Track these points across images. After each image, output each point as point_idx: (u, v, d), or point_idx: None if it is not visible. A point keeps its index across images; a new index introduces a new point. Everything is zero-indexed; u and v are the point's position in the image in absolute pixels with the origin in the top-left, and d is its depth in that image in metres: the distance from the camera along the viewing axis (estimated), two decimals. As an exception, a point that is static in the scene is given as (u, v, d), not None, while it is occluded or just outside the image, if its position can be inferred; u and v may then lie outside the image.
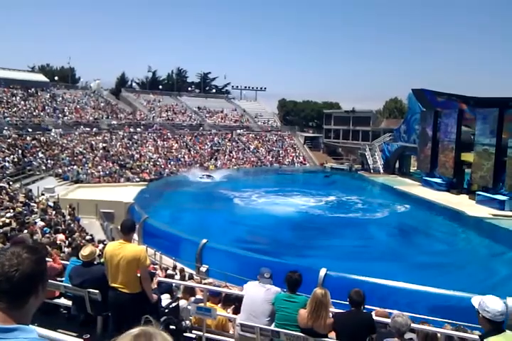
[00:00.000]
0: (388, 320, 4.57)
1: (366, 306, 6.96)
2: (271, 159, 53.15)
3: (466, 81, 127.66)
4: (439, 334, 5.05)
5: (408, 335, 4.28)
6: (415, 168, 43.88)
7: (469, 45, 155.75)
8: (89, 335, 3.90)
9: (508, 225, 23.74)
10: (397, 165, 46.99)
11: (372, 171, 46.82)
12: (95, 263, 5.98)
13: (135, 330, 1.39)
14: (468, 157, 32.81)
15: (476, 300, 3.52)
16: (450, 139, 34.35)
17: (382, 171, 46.36)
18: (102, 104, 52.45)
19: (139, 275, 4.93)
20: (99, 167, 37.14)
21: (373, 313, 6.15)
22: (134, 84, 75.32)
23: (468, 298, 10.94)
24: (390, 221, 25.99)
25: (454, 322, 8.36)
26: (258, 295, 5.04)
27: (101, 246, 12.08)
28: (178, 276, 10.81)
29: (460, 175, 34.15)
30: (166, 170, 41.82)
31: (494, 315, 3.34)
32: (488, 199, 27.96)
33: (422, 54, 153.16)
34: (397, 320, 4.14)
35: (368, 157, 48.26)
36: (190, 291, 7.03)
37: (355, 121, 59.56)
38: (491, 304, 3.39)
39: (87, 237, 14.76)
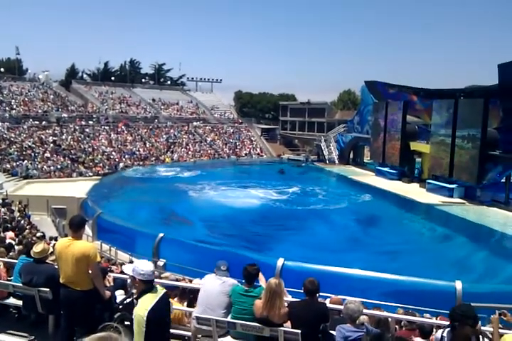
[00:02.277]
0: (342, 307, 4.67)
1: (323, 294, 7.11)
2: (228, 151, 53.06)
3: (419, 73, 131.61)
4: (390, 319, 5.22)
5: (361, 321, 4.39)
6: (368, 158, 44.97)
7: (422, 36, 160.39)
8: (33, 337, 3.80)
9: (457, 211, 24.86)
10: (351, 155, 48.01)
11: (327, 162, 47.62)
12: (47, 262, 5.78)
13: (101, 333, 1.36)
14: (418, 147, 33.97)
15: (129, 268, 4.07)
16: (396, 129, 35.46)
17: (337, 162, 47.25)
18: (52, 97, 50.53)
19: (90, 271, 4.82)
20: (50, 161, 35.96)
21: (328, 300, 6.29)
22: (84, 75, 73.04)
23: (421, 282, 11.37)
24: (346, 211, 26.49)
25: (407, 306, 8.68)
26: (214, 287, 5.04)
27: (53, 242, 11.73)
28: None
29: (411, 165, 35.30)
30: (121, 164, 40.95)
31: (149, 275, 3.89)
32: (438, 187, 29.07)
33: (375, 46, 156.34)
34: (349, 307, 4.24)
35: (323, 148, 49.03)
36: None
37: (311, 113, 60.54)
38: (144, 267, 3.90)
39: (38, 234, 14.24)
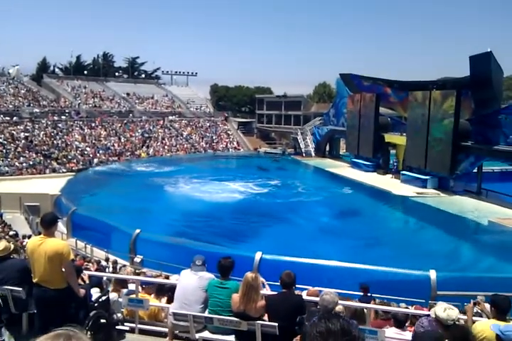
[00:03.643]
0: (318, 299, 4.70)
1: (300, 286, 7.15)
2: (205, 145, 52.73)
3: (394, 65, 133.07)
4: (365, 310, 5.28)
5: (336, 312, 4.42)
6: (344, 151, 45.33)
7: (396, 29, 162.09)
8: (4, 338, 3.73)
9: (431, 202, 25.30)
10: (327, 148, 48.31)
11: (304, 155, 47.80)
12: (11, 257, 5.67)
13: (55, 332, 1.40)
14: (392, 138, 34.45)
15: None
16: (370, 121, 35.85)
17: (313, 154, 47.46)
18: (23, 91, 49.31)
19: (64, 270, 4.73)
20: (22, 158, 35.17)
21: (305, 292, 6.32)
22: (56, 69, 71.40)
23: (396, 272, 11.54)
24: (324, 203, 26.71)
25: (384, 296, 8.83)
26: (190, 283, 5.02)
27: (26, 240, 11.51)
28: (111, 268, 10.53)
29: (385, 156, 35.73)
30: (96, 160, 40.27)
31: None
32: (412, 179, 29.51)
33: (350, 39, 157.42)
34: (324, 298, 4.26)
35: (300, 141, 49.17)
36: (122, 283, 6.86)
37: (287, 106, 60.69)
38: None
39: (11, 233, 13.97)
